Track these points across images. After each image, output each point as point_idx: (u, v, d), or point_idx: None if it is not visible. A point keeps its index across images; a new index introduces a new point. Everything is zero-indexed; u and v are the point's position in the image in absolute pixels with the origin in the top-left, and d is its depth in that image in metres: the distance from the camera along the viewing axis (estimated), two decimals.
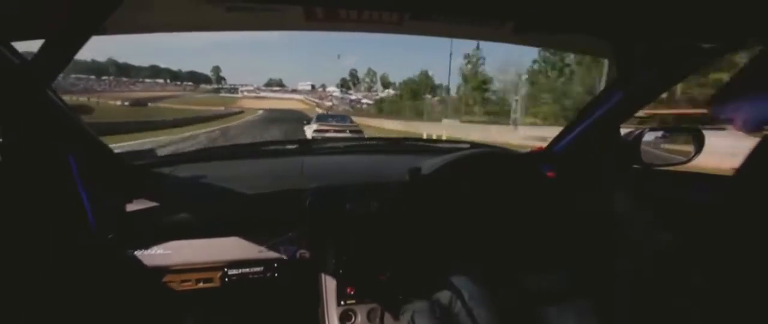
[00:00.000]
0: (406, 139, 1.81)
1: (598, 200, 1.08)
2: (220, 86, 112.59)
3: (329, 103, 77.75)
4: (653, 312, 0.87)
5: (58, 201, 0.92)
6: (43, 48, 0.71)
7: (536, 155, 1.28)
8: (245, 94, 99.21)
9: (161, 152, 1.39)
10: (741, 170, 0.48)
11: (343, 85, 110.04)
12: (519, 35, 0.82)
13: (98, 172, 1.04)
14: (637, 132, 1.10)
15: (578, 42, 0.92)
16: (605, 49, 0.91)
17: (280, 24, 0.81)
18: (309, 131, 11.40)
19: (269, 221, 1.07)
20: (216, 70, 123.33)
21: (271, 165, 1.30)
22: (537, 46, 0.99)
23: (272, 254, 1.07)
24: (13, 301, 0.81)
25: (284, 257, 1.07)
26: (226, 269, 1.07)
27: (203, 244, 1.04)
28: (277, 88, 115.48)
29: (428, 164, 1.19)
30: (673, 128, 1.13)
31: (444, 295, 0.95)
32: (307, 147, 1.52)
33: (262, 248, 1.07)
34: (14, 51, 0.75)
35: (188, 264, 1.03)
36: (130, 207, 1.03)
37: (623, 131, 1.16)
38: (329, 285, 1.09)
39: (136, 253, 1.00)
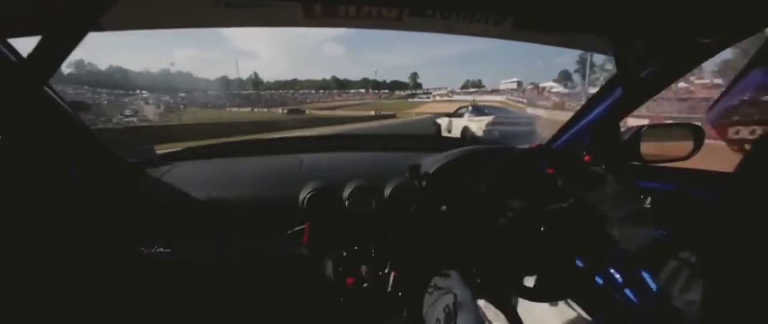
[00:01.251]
0: (405, 136, 1.81)
1: (594, 196, 1.08)
2: (414, 92, 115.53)
3: (547, 102, 52.42)
4: (652, 308, 0.87)
5: (55, 198, 0.92)
6: (39, 45, 0.71)
7: (535, 152, 1.28)
8: (436, 98, 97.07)
9: (160, 151, 1.39)
10: (742, 166, 0.48)
11: (565, 78, 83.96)
12: (518, 32, 0.82)
13: (96, 170, 1.03)
14: (636, 128, 1.10)
15: (577, 38, 0.91)
16: (605, 45, 0.91)
17: (278, 20, 0.81)
18: (470, 124, 9.59)
19: (268, 219, 1.06)
20: (414, 76, 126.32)
21: (271, 162, 1.29)
22: (537, 42, 0.98)
23: (271, 253, 1.07)
24: (10, 298, 0.81)
25: (283, 256, 1.07)
26: (224, 268, 1.07)
27: (202, 243, 1.04)
28: (473, 90, 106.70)
29: (428, 161, 1.19)
30: (673, 124, 1.13)
31: (444, 292, 0.95)
32: (307, 144, 1.52)
33: (260, 247, 1.07)
34: (11, 48, 0.75)
35: (187, 263, 1.03)
36: (128, 205, 1.03)
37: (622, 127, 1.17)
38: (328, 283, 1.09)
39: (133, 252, 0.99)
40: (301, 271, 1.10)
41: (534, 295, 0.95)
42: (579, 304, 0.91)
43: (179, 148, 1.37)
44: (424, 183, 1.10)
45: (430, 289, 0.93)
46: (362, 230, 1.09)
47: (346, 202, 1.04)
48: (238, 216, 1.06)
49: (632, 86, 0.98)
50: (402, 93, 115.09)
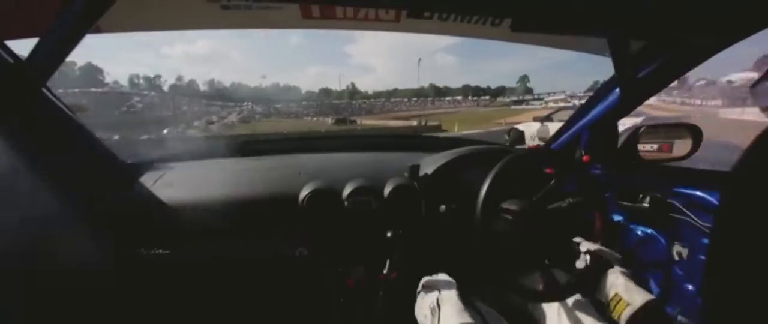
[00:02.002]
0: (405, 136, 1.81)
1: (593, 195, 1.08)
2: (521, 97, 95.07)
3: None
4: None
5: (54, 200, 0.92)
6: (37, 47, 0.71)
7: (535, 152, 1.29)
8: (550, 103, 77.39)
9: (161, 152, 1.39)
10: (739, 166, 0.48)
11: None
12: (516, 33, 0.82)
13: (95, 171, 1.03)
14: (634, 128, 1.10)
15: (575, 39, 0.92)
16: (602, 46, 0.91)
17: (277, 22, 0.81)
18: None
19: (267, 220, 1.06)
20: (523, 80, 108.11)
21: (270, 163, 1.29)
22: (534, 43, 0.98)
23: (271, 253, 1.07)
24: (10, 299, 0.81)
25: (283, 256, 1.07)
26: (224, 268, 1.07)
27: (201, 244, 1.04)
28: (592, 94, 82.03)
29: (427, 162, 1.19)
30: (671, 124, 1.13)
31: (430, 290, 0.95)
32: (306, 144, 1.51)
33: (260, 247, 1.07)
34: (9, 50, 0.75)
35: (186, 264, 1.03)
36: (127, 206, 1.03)
37: (621, 127, 1.17)
38: (329, 283, 1.09)
39: (133, 252, 0.99)
40: (301, 272, 1.10)
41: (534, 295, 0.95)
42: (579, 304, 0.91)
43: (179, 150, 1.36)
44: (423, 183, 1.10)
45: (418, 290, 0.98)
46: (362, 230, 1.09)
47: (346, 203, 1.04)
48: (237, 216, 1.06)
49: (630, 87, 0.99)
50: (505, 99, 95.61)
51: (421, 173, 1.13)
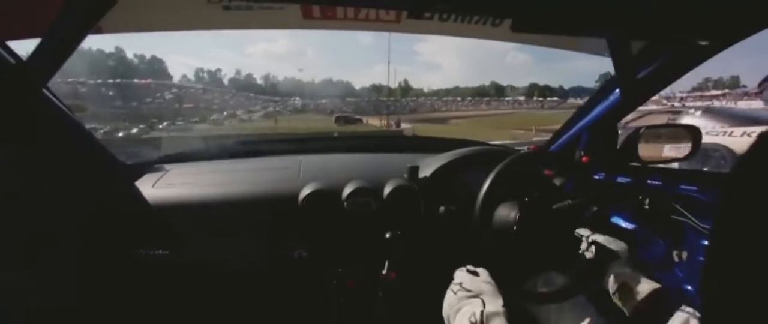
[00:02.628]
0: (404, 137, 1.81)
1: (593, 196, 1.08)
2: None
3: None
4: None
5: (53, 200, 0.92)
6: (38, 47, 0.71)
7: (534, 154, 1.29)
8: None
9: (160, 153, 1.39)
10: (738, 167, 0.48)
11: None
12: (516, 33, 0.83)
13: (94, 172, 1.03)
14: (634, 129, 1.10)
15: (575, 40, 0.92)
16: (602, 46, 0.91)
17: (278, 22, 0.81)
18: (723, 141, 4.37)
19: (267, 221, 1.06)
20: (603, 78, 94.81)
21: (269, 164, 1.29)
22: (534, 43, 0.99)
23: (270, 254, 1.07)
24: (9, 299, 0.81)
25: (282, 257, 1.07)
26: (224, 269, 1.07)
27: (200, 245, 1.04)
28: (718, 93, 52.90)
29: (427, 163, 1.19)
30: (671, 125, 1.14)
31: (471, 295, 0.93)
32: (305, 145, 1.51)
33: (259, 248, 1.07)
34: (10, 50, 0.75)
35: (186, 264, 1.03)
36: (127, 206, 1.03)
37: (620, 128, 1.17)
38: (328, 284, 1.09)
39: (133, 253, 0.99)
40: (301, 273, 1.10)
41: (533, 297, 0.95)
42: (580, 306, 0.91)
43: (181, 150, 1.36)
44: (422, 184, 1.10)
45: (453, 288, 0.80)
46: (361, 231, 1.09)
47: (345, 204, 1.04)
48: (236, 217, 1.05)
49: (630, 88, 0.99)
50: (578, 101, 74.89)
51: (421, 174, 1.13)
